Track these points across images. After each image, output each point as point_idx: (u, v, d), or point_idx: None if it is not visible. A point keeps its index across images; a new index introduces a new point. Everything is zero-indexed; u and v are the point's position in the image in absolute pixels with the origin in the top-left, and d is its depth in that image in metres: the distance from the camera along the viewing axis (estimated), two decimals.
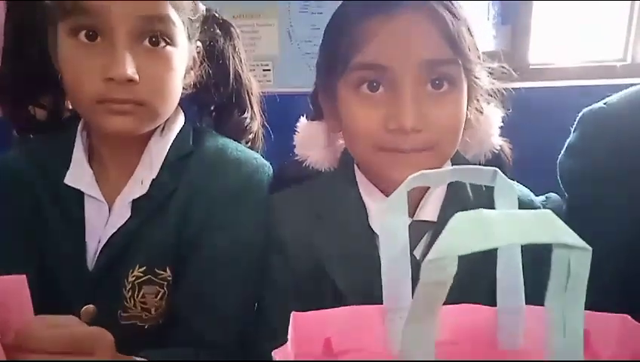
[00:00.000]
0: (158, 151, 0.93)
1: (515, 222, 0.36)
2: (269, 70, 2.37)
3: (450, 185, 0.87)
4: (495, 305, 0.57)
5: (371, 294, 0.60)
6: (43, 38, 0.87)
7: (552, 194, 1.00)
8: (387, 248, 0.55)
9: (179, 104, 0.95)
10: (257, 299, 0.95)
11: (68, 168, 0.93)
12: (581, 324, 0.39)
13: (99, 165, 0.95)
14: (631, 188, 0.89)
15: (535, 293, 0.54)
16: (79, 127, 0.96)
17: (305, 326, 0.54)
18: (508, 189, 0.54)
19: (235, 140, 1.02)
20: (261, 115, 1.10)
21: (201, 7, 0.97)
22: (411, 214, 0.86)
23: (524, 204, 0.89)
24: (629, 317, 0.52)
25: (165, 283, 0.92)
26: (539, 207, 0.94)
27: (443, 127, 0.82)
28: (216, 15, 1.03)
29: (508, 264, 0.54)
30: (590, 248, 0.37)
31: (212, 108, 1.07)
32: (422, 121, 0.79)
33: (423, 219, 0.87)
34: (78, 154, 0.94)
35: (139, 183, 0.92)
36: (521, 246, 0.54)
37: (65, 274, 0.93)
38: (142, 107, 0.85)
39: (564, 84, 2.25)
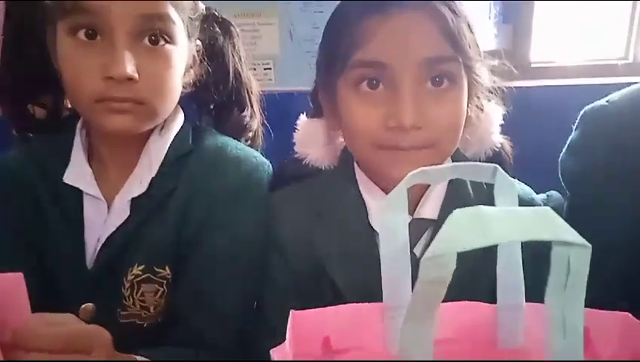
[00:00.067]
0: (157, 150, 0.93)
1: (515, 219, 0.36)
2: (269, 69, 2.36)
3: (450, 183, 0.87)
4: (495, 304, 0.57)
5: (371, 292, 0.59)
6: (42, 37, 0.87)
7: (553, 193, 1.00)
8: (387, 246, 0.55)
9: (178, 103, 0.95)
10: (257, 297, 0.95)
11: (67, 167, 0.93)
12: (581, 322, 0.38)
13: (98, 164, 0.94)
14: (633, 187, 0.88)
15: (534, 289, 0.54)
16: (78, 126, 0.95)
17: (304, 325, 0.54)
18: (508, 186, 0.54)
19: (234, 139, 1.02)
20: (261, 114, 1.09)
21: (201, 5, 0.97)
22: (411, 212, 0.86)
23: (524, 203, 0.89)
24: (630, 315, 0.51)
25: (164, 281, 0.92)
26: (539, 205, 0.94)
27: (443, 124, 0.81)
28: (216, 14, 1.03)
29: (508, 261, 0.54)
30: (589, 245, 0.36)
31: (212, 106, 1.07)
32: (422, 119, 0.79)
33: (423, 217, 0.86)
34: (78, 153, 0.94)
35: (138, 182, 0.92)
36: (521, 243, 0.54)
37: (64, 273, 0.93)
38: (141, 106, 0.84)
39: (565, 83, 2.25)
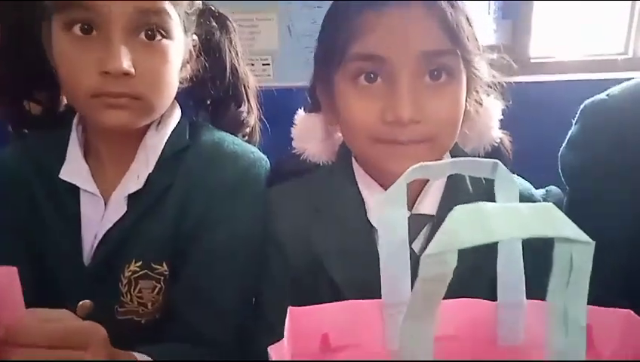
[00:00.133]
0: (154, 146, 0.93)
1: (516, 215, 0.36)
2: (268, 64, 2.36)
3: (449, 178, 0.86)
4: (495, 299, 0.56)
5: (369, 288, 0.59)
6: (37, 32, 0.87)
7: (553, 188, 1.00)
8: (386, 242, 0.54)
9: (175, 98, 0.95)
10: (255, 292, 0.95)
11: (63, 163, 0.92)
12: (583, 320, 0.38)
13: (95, 160, 0.94)
14: (633, 184, 0.88)
15: (534, 283, 0.54)
16: (75, 122, 0.95)
17: (302, 322, 0.54)
18: (509, 182, 0.53)
19: (231, 134, 1.02)
20: (258, 109, 1.09)
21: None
22: (410, 207, 0.85)
23: (523, 198, 0.88)
24: (632, 312, 0.51)
25: (162, 277, 0.92)
26: (539, 201, 0.94)
27: (441, 118, 0.81)
28: (213, 8, 1.02)
29: (508, 258, 0.54)
30: (592, 242, 0.36)
31: (208, 102, 1.06)
32: (419, 113, 0.78)
33: (422, 212, 0.86)
34: (74, 149, 0.93)
35: (135, 178, 0.91)
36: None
37: (61, 270, 0.93)
38: (138, 101, 0.84)
39: (565, 78, 2.24)
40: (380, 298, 0.57)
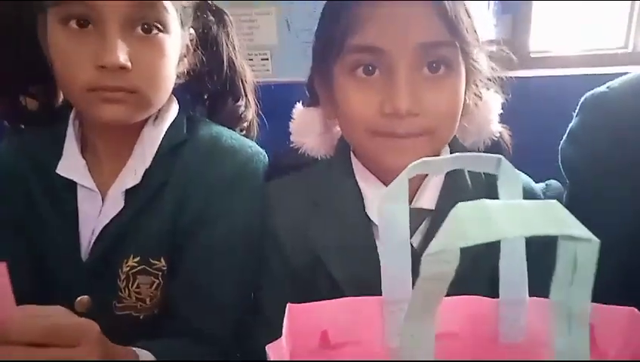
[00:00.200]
0: (151, 141, 0.92)
1: (520, 213, 0.35)
2: (267, 59, 2.35)
3: (448, 173, 0.86)
4: (495, 293, 0.56)
5: (367, 282, 0.59)
6: (33, 26, 0.86)
7: (553, 181, 0.99)
8: (387, 238, 0.54)
9: (172, 93, 0.94)
10: (254, 287, 0.94)
11: (60, 159, 0.92)
12: (587, 318, 0.37)
13: (92, 155, 0.94)
14: (633, 181, 0.88)
15: (536, 281, 0.53)
16: (71, 117, 0.94)
17: (301, 319, 0.53)
18: (512, 178, 0.53)
19: (229, 129, 1.01)
20: (256, 104, 1.09)
21: None
22: (408, 202, 0.85)
23: (524, 192, 0.88)
24: (636, 309, 0.50)
25: (160, 273, 0.92)
26: (539, 195, 0.94)
27: (440, 111, 0.80)
28: (210, 2, 1.02)
29: (511, 255, 0.53)
30: (597, 240, 0.35)
31: (206, 96, 1.06)
32: (418, 105, 0.78)
33: (421, 206, 0.86)
34: (70, 144, 0.93)
35: (132, 173, 0.91)
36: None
37: (59, 266, 0.92)
38: (134, 95, 0.83)
39: (564, 73, 2.24)
40: (379, 291, 0.56)
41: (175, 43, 0.88)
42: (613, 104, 0.92)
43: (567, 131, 0.98)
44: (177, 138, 0.94)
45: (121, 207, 0.91)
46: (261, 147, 1.00)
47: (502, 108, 0.94)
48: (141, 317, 0.94)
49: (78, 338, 0.61)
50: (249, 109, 1.06)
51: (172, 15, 0.85)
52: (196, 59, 0.98)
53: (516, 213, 0.34)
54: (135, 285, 0.91)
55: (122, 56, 0.79)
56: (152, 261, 0.91)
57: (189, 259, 0.92)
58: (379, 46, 0.78)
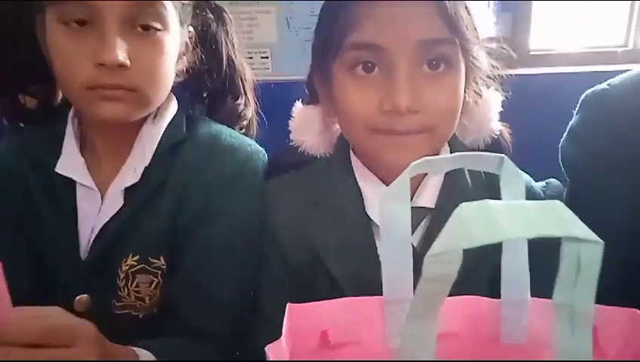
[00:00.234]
0: (150, 139, 0.92)
1: (523, 214, 0.35)
2: (267, 58, 2.34)
3: (448, 171, 0.85)
4: (495, 293, 0.56)
5: (367, 281, 0.58)
6: (31, 25, 0.86)
7: (553, 180, 0.99)
8: (388, 237, 0.53)
9: (171, 91, 0.94)
10: (254, 285, 0.94)
11: (59, 157, 0.91)
12: (590, 320, 0.37)
13: (91, 153, 0.93)
14: (633, 178, 0.87)
15: (538, 281, 0.53)
16: (70, 115, 0.94)
17: (300, 319, 0.53)
18: (515, 177, 0.52)
19: (229, 127, 1.01)
20: (255, 102, 1.09)
21: None
22: None
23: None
24: (638, 311, 0.50)
25: (159, 272, 0.91)
26: (539, 193, 0.94)
27: (440, 108, 0.80)
28: (209, 0, 1.01)
29: (513, 255, 0.53)
30: (601, 241, 0.35)
31: (205, 94, 1.06)
32: (417, 102, 0.78)
33: (421, 205, 0.85)
34: (70, 142, 0.93)
35: (131, 171, 0.91)
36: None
37: (58, 264, 0.92)
38: (133, 93, 0.83)
39: (565, 71, 2.23)
40: (378, 289, 0.56)
41: (174, 41, 0.88)
42: (614, 101, 0.92)
43: (568, 129, 0.97)
44: (177, 136, 0.94)
45: (121, 205, 0.90)
46: (261, 145, 1.00)
47: (502, 106, 0.94)
48: (140, 316, 0.93)
49: (75, 338, 0.61)
50: (248, 108, 1.06)
51: (171, 13, 0.85)
52: (195, 58, 0.98)
53: (520, 214, 0.34)
54: (134, 284, 0.91)
55: (121, 54, 0.79)
56: (151, 260, 0.91)
57: (189, 257, 0.91)
58: (378, 43, 0.77)
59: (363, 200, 0.88)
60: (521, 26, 2.29)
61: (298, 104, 0.99)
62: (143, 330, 0.88)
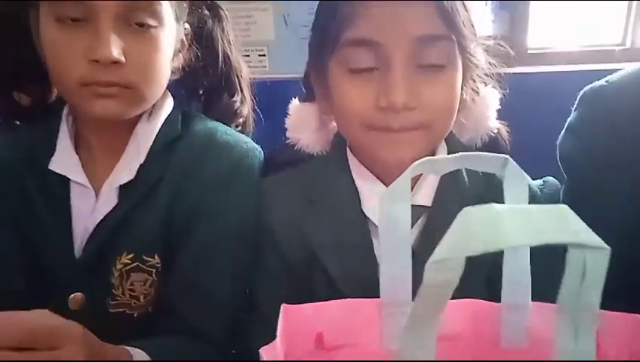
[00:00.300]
0: (145, 136, 0.92)
1: (529, 220, 0.34)
2: (264, 56, 2.34)
3: None
4: (493, 292, 0.55)
5: (364, 280, 0.58)
6: (25, 22, 0.85)
7: (550, 178, 0.99)
8: (387, 238, 0.53)
9: (167, 88, 0.93)
10: (250, 283, 0.94)
11: (54, 155, 0.91)
12: (595, 327, 0.36)
13: (85, 151, 0.93)
14: (633, 176, 0.87)
15: (540, 285, 0.52)
16: (64, 113, 0.94)
17: (296, 320, 0.52)
18: (519, 179, 0.52)
19: (225, 124, 1.00)
20: (251, 99, 1.08)
21: None
22: None
23: None
24: None
25: (154, 270, 0.91)
26: (536, 192, 0.93)
27: (436, 105, 0.80)
28: None
29: (515, 259, 0.52)
30: (608, 247, 0.34)
31: (201, 91, 1.05)
32: (414, 99, 0.77)
33: (418, 203, 0.85)
34: (64, 140, 0.92)
35: (126, 169, 0.90)
36: None
37: (53, 263, 0.92)
38: (128, 90, 0.83)
39: (562, 69, 2.23)
40: (375, 288, 0.55)
41: (169, 37, 0.87)
42: (612, 98, 0.92)
43: (566, 125, 0.97)
44: (172, 133, 0.93)
45: (115, 203, 0.90)
46: (257, 143, 1.00)
47: (499, 105, 0.93)
48: (135, 315, 0.93)
49: (63, 339, 0.61)
50: (245, 105, 1.06)
51: (166, 9, 0.85)
52: (191, 55, 0.97)
53: (525, 220, 0.33)
54: (129, 282, 0.91)
55: (115, 51, 0.78)
56: (145, 258, 0.90)
57: (185, 255, 0.91)
58: (375, 39, 0.77)
59: (359, 198, 0.88)
60: (519, 25, 2.29)
61: (294, 101, 0.98)
62: (138, 329, 0.88)
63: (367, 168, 0.88)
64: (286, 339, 0.50)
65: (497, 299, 0.57)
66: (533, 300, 0.55)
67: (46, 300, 0.71)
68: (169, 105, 0.96)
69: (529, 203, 0.55)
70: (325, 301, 0.58)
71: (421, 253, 0.82)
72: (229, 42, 1.03)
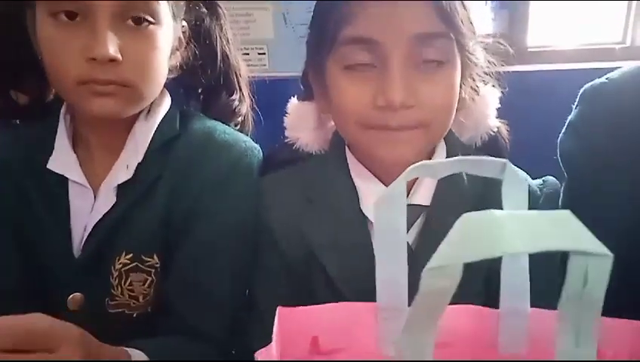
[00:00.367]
0: (143, 135, 0.91)
1: (530, 226, 0.33)
2: (263, 54, 2.34)
3: None
4: (489, 294, 0.55)
5: (362, 280, 0.57)
6: (22, 20, 0.85)
7: (549, 177, 0.98)
8: (383, 242, 0.52)
9: (165, 87, 0.93)
10: (249, 283, 0.94)
11: (52, 154, 0.91)
12: (596, 333, 0.36)
13: (83, 150, 0.93)
14: (633, 175, 0.87)
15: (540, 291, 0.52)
16: (62, 111, 0.93)
17: (291, 324, 0.52)
18: (518, 183, 0.51)
19: (223, 123, 1.00)
20: (250, 98, 1.08)
21: None
22: None
23: None
24: None
25: (153, 270, 0.91)
26: (536, 192, 0.92)
27: (435, 104, 0.79)
28: None
29: (514, 265, 0.52)
30: (610, 254, 0.34)
31: (199, 90, 1.05)
32: (412, 98, 0.77)
33: (416, 203, 0.85)
34: (62, 139, 0.92)
35: (124, 168, 0.90)
36: None
37: (51, 262, 0.91)
38: (126, 88, 0.83)
39: (562, 67, 2.23)
40: (373, 287, 0.55)
41: (167, 35, 0.87)
42: (613, 95, 0.92)
43: (567, 123, 0.97)
44: (170, 132, 0.93)
45: (113, 202, 0.90)
46: (256, 142, 0.99)
47: (499, 103, 0.93)
48: (134, 315, 0.93)
49: (59, 341, 0.61)
50: (243, 103, 1.05)
51: (164, 7, 0.84)
52: (189, 53, 0.97)
53: (525, 226, 0.32)
54: (128, 282, 0.90)
55: (112, 48, 0.78)
56: (144, 258, 0.90)
57: (183, 255, 0.91)
58: (373, 37, 0.77)
59: (358, 197, 0.87)
60: (519, 23, 2.29)
61: (293, 100, 0.98)
62: (137, 329, 0.87)
63: (365, 167, 0.88)
64: (281, 343, 0.50)
65: (494, 304, 0.57)
66: (531, 306, 0.54)
67: (45, 300, 0.70)
68: (167, 103, 0.96)
69: (528, 202, 0.55)
70: (324, 300, 0.58)
71: (420, 253, 0.82)
72: (228, 40, 1.03)
